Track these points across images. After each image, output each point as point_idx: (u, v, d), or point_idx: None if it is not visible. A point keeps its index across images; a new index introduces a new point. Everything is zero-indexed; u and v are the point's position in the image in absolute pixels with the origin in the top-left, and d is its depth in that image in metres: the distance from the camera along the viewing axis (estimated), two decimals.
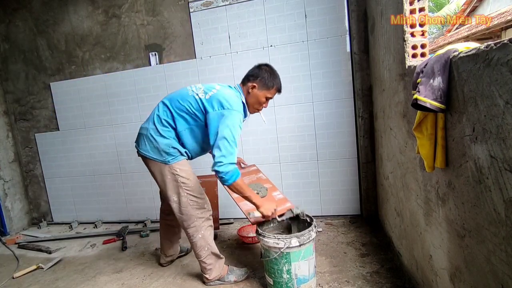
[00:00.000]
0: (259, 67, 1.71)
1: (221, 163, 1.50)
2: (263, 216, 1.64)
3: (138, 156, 1.80)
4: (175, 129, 1.67)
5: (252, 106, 1.73)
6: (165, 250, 2.04)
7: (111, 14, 2.78)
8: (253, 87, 1.67)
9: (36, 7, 2.92)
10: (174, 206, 1.72)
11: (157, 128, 1.67)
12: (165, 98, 1.75)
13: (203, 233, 1.73)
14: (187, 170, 1.72)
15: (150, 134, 1.68)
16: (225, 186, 1.60)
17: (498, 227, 0.77)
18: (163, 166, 1.68)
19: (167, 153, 1.66)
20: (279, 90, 1.72)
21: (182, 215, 1.72)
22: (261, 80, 1.66)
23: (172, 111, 1.66)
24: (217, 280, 1.80)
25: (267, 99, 1.71)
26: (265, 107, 1.76)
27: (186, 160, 1.75)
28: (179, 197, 1.71)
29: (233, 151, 1.54)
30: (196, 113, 1.63)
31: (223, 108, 1.57)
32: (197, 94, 1.66)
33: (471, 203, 0.90)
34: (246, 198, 1.63)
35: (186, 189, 1.70)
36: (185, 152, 1.73)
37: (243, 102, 1.67)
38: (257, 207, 1.63)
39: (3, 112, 3.13)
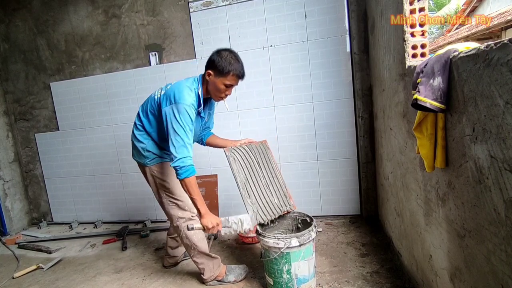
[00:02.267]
0: (218, 52, 1.61)
1: (176, 158, 1.51)
2: (204, 228, 1.60)
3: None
4: (147, 132, 1.72)
5: (213, 94, 1.65)
6: (168, 249, 2.01)
7: (111, 14, 2.78)
8: (209, 74, 1.60)
9: (36, 7, 2.92)
10: (161, 206, 1.83)
11: (134, 133, 1.77)
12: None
13: (186, 233, 1.75)
14: (163, 172, 1.76)
15: (132, 139, 1.80)
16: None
17: (498, 227, 0.77)
18: (146, 168, 1.77)
19: (144, 156, 1.75)
20: (239, 76, 1.61)
21: (167, 215, 1.82)
22: (217, 67, 1.57)
23: (141, 115, 1.74)
24: (216, 280, 1.80)
25: (227, 86, 1.61)
26: (228, 94, 1.67)
27: (167, 162, 1.76)
28: (160, 198, 1.80)
29: (185, 144, 1.51)
30: (156, 113, 1.66)
31: (172, 103, 1.54)
32: (156, 95, 1.68)
33: (471, 203, 0.90)
34: (193, 200, 1.59)
35: (164, 191, 1.77)
36: (165, 153, 1.76)
37: (198, 94, 1.61)
38: (200, 216, 1.61)
39: (3, 112, 3.13)
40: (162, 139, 1.72)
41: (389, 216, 1.98)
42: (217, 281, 1.80)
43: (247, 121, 2.61)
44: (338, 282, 1.69)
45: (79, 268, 2.20)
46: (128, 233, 2.70)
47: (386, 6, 1.66)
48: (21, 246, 2.69)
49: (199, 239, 1.79)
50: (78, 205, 3.16)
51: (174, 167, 1.53)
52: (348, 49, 2.34)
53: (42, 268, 2.22)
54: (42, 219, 3.24)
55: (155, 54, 2.72)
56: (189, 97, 1.55)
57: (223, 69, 1.57)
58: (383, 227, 2.18)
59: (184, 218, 1.78)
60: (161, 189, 1.77)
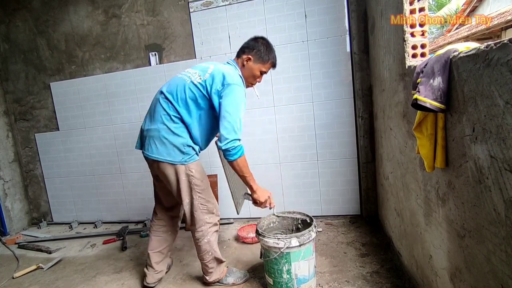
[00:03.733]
0: (255, 39, 1.65)
1: (227, 140, 1.47)
2: (255, 202, 1.64)
3: (147, 160, 1.68)
4: (184, 123, 1.57)
5: (246, 80, 1.66)
6: (154, 264, 1.82)
7: (111, 14, 2.78)
8: (248, 59, 1.62)
9: (36, 7, 2.92)
10: (187, 209, 1.66)
11: (168, 127, 1.56)
12: (162, 92, 1.63)
13: (209, 238, 1.69)
14: (201, 172, 1.65)
15: (162, 135, 1.56)
16: (229, 162, 1.57)
17: (498, 227, 0.77)
18: (179, 167, 1.58)
19: (183, 153, 1.57)
20: (274, 65, 1.68)
21: (192, 218, 1.67)
22: (257, 53, 1.61)
23: (176, 104, 1.56)
24: (216, 283, 1.79)
25: (262, 73, 1.66)
26: (259, 81, 1.71)
27: (199, 161, 1.68)
28: (191, 200, 1.64)
29: (239, 126, 1.50)
30: (199, 100, 1.55)
31: (224, 85, 1.50)
32: (194, 80, 1.57)
33: (471, 203, 0.90)
34: (245, 178, 1.60)
35: (198, 192, 1.63)
36: (198, 149, 1.66)
37: (240, 76, 1.61)
38: (253, 191, 1.63)
39: (3, 112, 3.13)
40: (202, 131, 1.61)
41: (389, 216, 1.98)
42: (217, 282, 1.80)
43: (247, 121, 2.60)
44: (338, 282, 1.69)
45: (79, 268, 2.20)
46: (128, 233, 2.70)
47: (386, 6, 1.66)
48: (21, 246, 2.69)
49: (217, 245, 1.75)
50: (78, 205, 3.16)
51: (227, 148, 1.48)
52: (348, 49, 2.34)
53: (42, 268, 2.22)
54: (42, 219, 3.24)
55: (155, 54, 2.72)
56: (240, 79, 1.55)
57: (263, 56, 1.61)
58: (383, 227, 2.18)
59: (211, 223, 1.69)
60: (195, 190, 1.62)
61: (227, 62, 1.68)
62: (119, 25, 2.77)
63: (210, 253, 1.71)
